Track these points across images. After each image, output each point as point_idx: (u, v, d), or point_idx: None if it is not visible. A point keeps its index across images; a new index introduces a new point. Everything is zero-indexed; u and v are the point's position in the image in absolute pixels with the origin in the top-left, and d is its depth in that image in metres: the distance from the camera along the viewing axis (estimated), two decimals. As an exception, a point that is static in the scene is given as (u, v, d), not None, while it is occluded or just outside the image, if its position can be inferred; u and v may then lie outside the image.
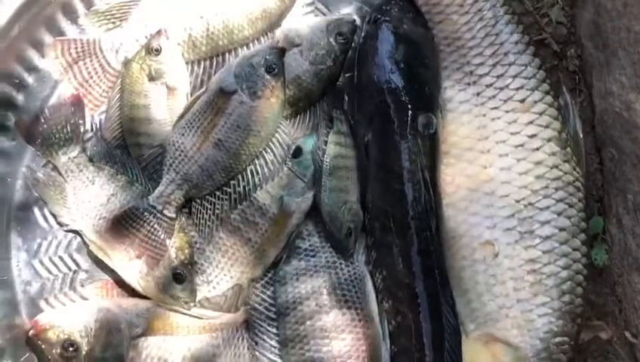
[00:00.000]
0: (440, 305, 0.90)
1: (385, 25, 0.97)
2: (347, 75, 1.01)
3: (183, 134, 0.90)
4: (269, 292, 0.92)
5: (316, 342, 0.89)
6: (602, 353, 0.96)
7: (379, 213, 0.95)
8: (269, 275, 0.93)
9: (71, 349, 0.83)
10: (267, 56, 0.92)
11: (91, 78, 0.96)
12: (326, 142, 0.94)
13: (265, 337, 0.91)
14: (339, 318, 0.90)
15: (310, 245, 0.94)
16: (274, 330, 0.91)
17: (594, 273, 0.94)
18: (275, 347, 0.91)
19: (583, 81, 1.08)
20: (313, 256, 0.93)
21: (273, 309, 0.92)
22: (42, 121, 0.94)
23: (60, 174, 0.92)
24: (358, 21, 1.00)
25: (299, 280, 0.92)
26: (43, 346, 0.84)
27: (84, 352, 0.83)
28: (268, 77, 0.91)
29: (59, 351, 0.83)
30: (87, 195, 0.90)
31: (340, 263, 0.93)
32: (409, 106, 0.93)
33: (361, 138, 0.96)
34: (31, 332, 0.84)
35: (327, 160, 0.94)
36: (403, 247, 0.92)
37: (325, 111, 0.98)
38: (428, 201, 0.92)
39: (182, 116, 0.92)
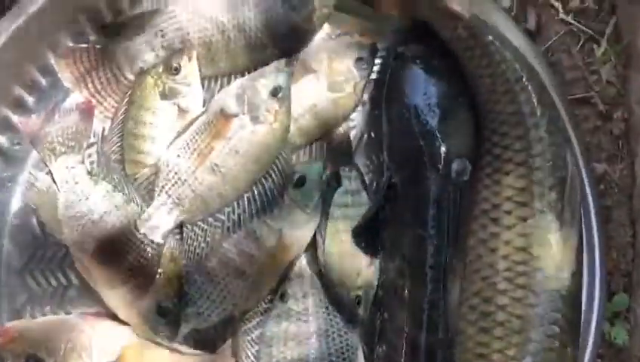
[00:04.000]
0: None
1: (413, 61, 0.91)
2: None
3: (178, 155, 0.86)
4: (254, 350, 0.87)
5: None
6: None
7: (395, 254, 0.89)
8: (257, 333, 0.87)
9: (34, 366, 0.81)
10: (273, 78, 0.86)
11: (104, 88, 0.92)
12: (329, 203, 0.89)
13: None
14: None
15: (304, 308, 0.88)
16: None
17: (612, 352, 0.84)
18: None
19: (626, 147, 0.98)
20: (305, 321, 0.87)
21: None
22: (49, 124, 0.90)
23: (55, 183, 0.89)
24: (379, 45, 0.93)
25: (286, 345, 0.86)
26: (7, 357, 0.81)
27: (47, 370, 0.80)
28: (272, 101, 0.85)
29: (22, 364, 0.81)
30: (78, 210, 0.87)
31: (333, 332, 0.87)
32: (443, 151, 0.87)
33: (384, 181, 0.91)
34: None
35: (331, 223, 0.88)
36: (414, 294, 0.86)
37: (330, 166, 0.91)
38: (449, 254, 0.85)
39: (179, 135, 0.87)
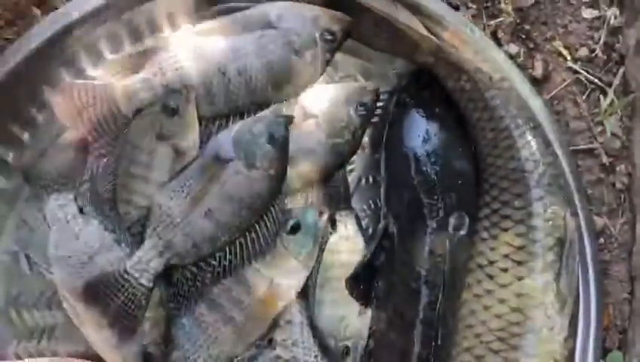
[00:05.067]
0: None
1: (414, 108, 0.90)
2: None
3: (171, 197, 0.84)
4: None
5: None
6: None
7: (387, 305, 0.87)
8: None
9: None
10: (271, 124, 0.84)
11: (100, 126, 0.90)
12: (323, 249, 0.87)
13: None
14: None
15: (293, 356, 0.86)
16: None
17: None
18: None
19: (628, 201, 0.97)
20: None
21: None
22: (43, 160, 0.89)
23: (46, 220, 0.87)
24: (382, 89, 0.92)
25: None
26: None
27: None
28: (269, 147, 0.83)
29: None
30: (68, 249, 0.84)
31: None
32: (441, 204, 0.86)
33: (380, 229, 0.90)
34: None
35: (322, 270, 0.87)
36: (404, 348, 0.84)
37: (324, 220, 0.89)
38: (442, 309, 0.83)
39: (173, 177, 0.85)
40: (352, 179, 0.97)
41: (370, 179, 0.98)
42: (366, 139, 0.96)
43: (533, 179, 0.83)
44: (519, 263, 0.81)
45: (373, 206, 0.96)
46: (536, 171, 0.83)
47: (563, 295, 0.79)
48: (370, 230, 0.95)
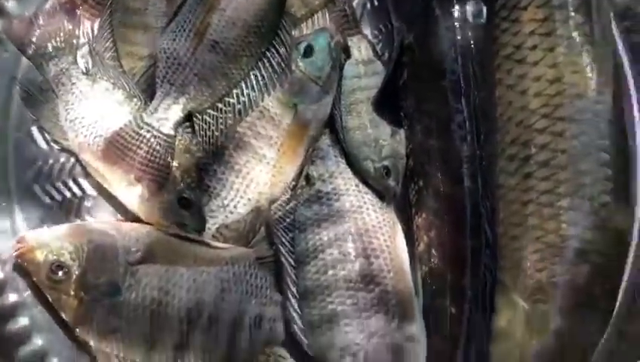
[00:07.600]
0: (481, 219, 0.78)
1: None
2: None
3: (173, 39, 0.79)
4: (289, 236, 0.82)
5: (340, 293, 0.79)
6: None
7: (421, 115, 0.83)
8: (290, 220, 0.82)
9: (60, 273, 0.75)
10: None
11: None
12: (340, 77, 0.84)
13: (284, 286, 0.81)
14: (365, 268, 0.79)
15: (333, 188, 0.83)
16: (294, 278, 0.81)
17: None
18: (295, 298, 0.80)
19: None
20: (337, 201, 0.82)
21: (293, 256, 0.82)
22: (35, 27, 0.84)
23: (52, 88, 0.83)
24: None
25: (320, 226, 0.81)
26: (29, 267, 0.76)
27: (74, 276, 0.75)
28: (262, -39, 0.79)
29: (46, 273, 0.75)
30: (80, 112, 0.81)
31: (367, 208, 0.82)
32: None
33: (397, 45, 0.85)
34: (16, 252, 0.77)
35: (344, 97, 0.83)
36: (446, 151, 0.80)
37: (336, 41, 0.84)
38: (478, 100, 0.79)
39: (171, 19, 0.80)
40: (355, 5, 0.91)
41: (375, 2, 0.92)
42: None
43: None
44: (547, 34, 0.76)
45: (384, 30, 0.92)
46: None
47: (601, 50, 0.74)
48: (387, 54, 0.90)
